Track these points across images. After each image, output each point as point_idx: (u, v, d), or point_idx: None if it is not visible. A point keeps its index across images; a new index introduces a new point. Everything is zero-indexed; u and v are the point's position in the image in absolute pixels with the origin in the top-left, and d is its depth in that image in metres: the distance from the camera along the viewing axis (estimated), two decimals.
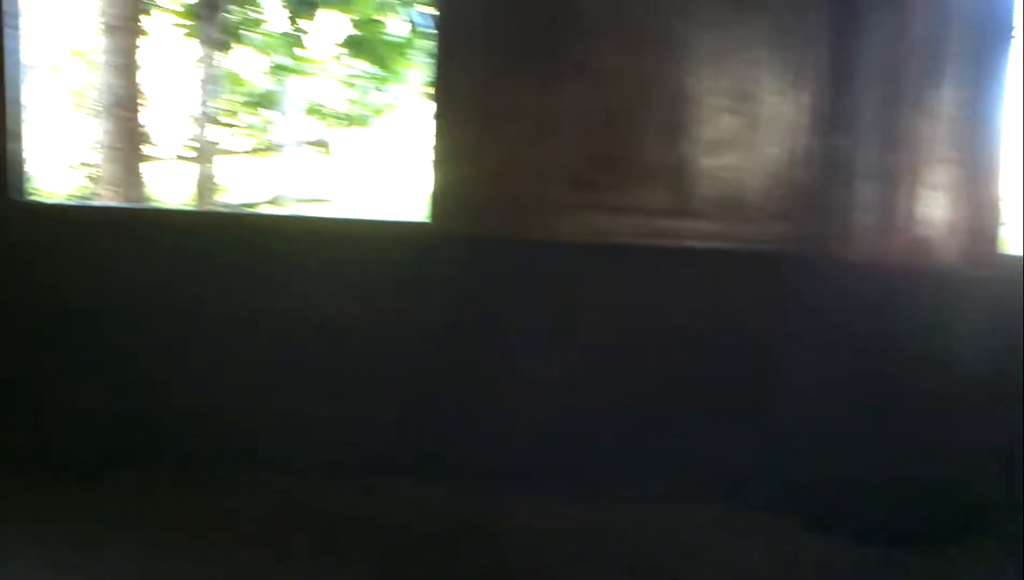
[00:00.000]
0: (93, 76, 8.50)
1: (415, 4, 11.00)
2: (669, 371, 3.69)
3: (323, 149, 11.04)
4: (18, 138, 3.68)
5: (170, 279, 3.70)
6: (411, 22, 11.23)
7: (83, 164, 9.07)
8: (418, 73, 11.16)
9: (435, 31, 3.60)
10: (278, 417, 3.73)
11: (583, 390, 3.70)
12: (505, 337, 3.70)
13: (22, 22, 3.66)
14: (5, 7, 3.57)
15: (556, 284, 3.67)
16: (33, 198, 4.04)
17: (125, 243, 3.71)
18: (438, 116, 3.62)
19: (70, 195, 8.63)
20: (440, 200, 3.64)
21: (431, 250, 3.67)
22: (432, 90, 3.64)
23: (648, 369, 3.70)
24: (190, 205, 9.10)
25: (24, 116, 3.71)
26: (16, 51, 3.65)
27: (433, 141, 3.63)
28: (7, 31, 3.60)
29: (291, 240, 3.75)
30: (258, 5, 10.59)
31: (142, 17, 9.04)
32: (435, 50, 3.61)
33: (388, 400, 3.74)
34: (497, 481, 3.59)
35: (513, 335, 3.70)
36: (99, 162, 8.47)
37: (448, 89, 3.61)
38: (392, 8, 10.80)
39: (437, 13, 3.59)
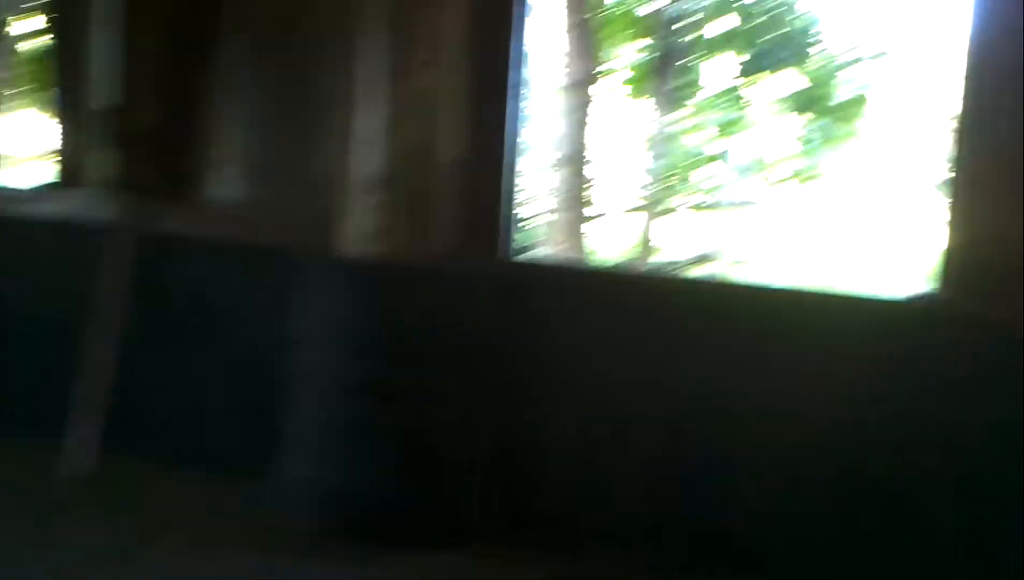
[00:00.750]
0: (552, 132, 8.98)
1: (865, 61, 10.58)
2: None
3: (764, 208, 10.84)
4: (510, 201, 3.86)
5: (659, 345, 3.61)
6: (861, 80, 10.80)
7: (534, 216, 9.62)
8: (866, 132, 10.66)
9: (962, 91, 3.30)
10: None
11: None
12: None
13: (524, 92, 3.86)
14: (510, 79, 3.78)
15: None
16: (520, 258, 4.17)
17: (611, 307, 3.67)
18: (955, 184, 3.33)
19: (524, 245, 9.15)
20: (955, 274, 3.30)
21: (939, 332, 3.28)
22: (952, 157, 3.36)
23: None
24: (655, 268, 9.30)
25: (517, 180, 3.89)
26: (516, 119, 3.84)
27: (949, 208, 3.34)
28: (510, 102, 3.80)
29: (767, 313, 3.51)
30: (696, 70, 10.70)
31: (598, 77, 9.49)
32: (961, 114, 3.31)
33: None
34: None
35: None
36: (550, 214, 8.91)
37: (973, 157, 3.28)
38: (844, 66, 10.45)
39: (964, 76, 3.30)
